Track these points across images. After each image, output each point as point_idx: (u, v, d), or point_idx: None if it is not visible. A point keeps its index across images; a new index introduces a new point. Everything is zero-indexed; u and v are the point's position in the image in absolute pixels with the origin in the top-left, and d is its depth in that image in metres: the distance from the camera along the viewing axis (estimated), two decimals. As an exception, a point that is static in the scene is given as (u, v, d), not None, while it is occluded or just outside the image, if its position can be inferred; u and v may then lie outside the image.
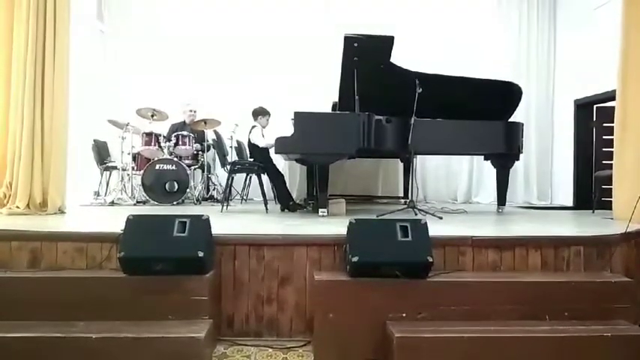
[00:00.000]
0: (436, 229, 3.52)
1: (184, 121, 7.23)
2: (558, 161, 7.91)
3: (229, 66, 7.68)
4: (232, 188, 6.27)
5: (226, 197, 5.83)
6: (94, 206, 6.13)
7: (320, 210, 5.00)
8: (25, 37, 4.60)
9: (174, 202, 6.31)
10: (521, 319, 3.00)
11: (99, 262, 3.27)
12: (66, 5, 4.82)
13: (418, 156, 6.39)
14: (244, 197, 7.10)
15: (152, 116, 6.65)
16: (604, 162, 6.69)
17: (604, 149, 6.83)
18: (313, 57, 7.60)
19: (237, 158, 6.73)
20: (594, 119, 7.24)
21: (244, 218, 5.01)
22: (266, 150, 5.72)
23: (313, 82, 7.53)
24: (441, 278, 3.13)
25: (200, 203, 6.68)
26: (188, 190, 6.46)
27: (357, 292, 3.01)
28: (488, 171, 7.03)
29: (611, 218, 4.81)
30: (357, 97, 5.17)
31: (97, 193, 6.76)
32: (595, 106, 7.18)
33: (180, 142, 6.67)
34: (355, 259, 2.97)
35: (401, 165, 7.50)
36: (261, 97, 6.68)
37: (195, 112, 7.22)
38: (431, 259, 3.01)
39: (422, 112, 4.97)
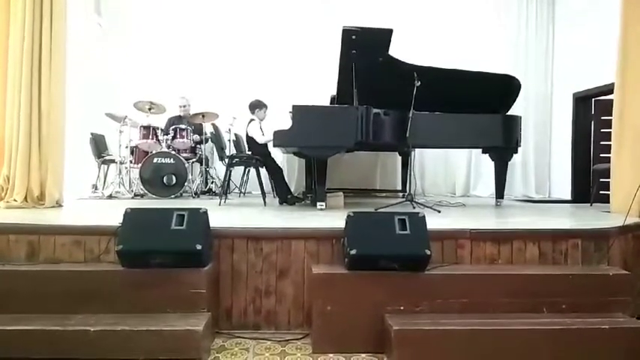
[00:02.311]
0: (434, 222, 3.52)
1: (181, 114, 7.20)
2: (556, 154, 7.91)
3: (227, 59, 7.67)
4: (230, 181, 6.27)
5: (224, 190, 5.83)
6: (92, 199, 6.12)
7: (318, 203, 5.01)
8: (21, 30, 4.57)
9: (173, 196, 6.29)
10: (519, 312, 3.01)
11: (97, 255, 3.27)
12: (63, -2, 4.80)
13: (416, 149, 6.38)
14: (242, 190, 7.09)
15: (150, 109, 6.62)
16: (602, 155, 6.69)
17: (602, 142, 6.83)
18: (312, 50, 7.58)
19: (235, 151, 6.73)
20: (592, 112, 7.23)
21: (242, 211, 5.00)
22: (264, 143, 5.71)
23: (312, 75, 7.51)
24: (439, 271, 3.14)
25: (198, 196, 6.67)
26: (186, 183, 6.44)
27: (355, 285, 3.02)
28: (486, 164, 7.03)
29: (609, 211, 4.82)
30: (355, 90, 5.16)
31: (95, 187, 6.75)
32: (593, 100, 7.17)
33: (178, 136, 6.65)
34: (353, 252, 2.97)
35: (399, 158, 7.49)
36: (259, 90, 6.67)
37: (187, 106, 7.15)
38: (429, 252, 3.02)
39: (420, 105, 4.96)
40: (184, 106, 7.14)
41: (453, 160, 8.02)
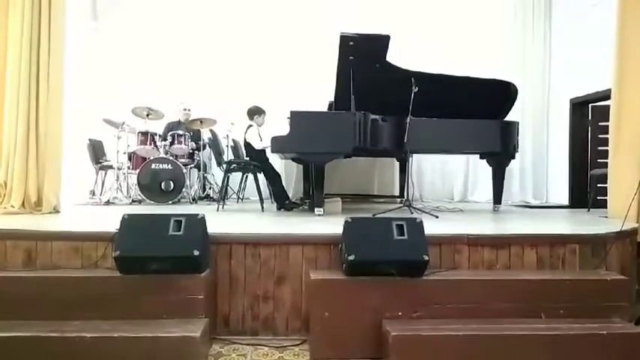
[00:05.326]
0: (432, 227, 3.52)
1: (180, 120, 7.21)
2: (554, 160, 7.93)
3: (225, 65, 7.69)
4: (228, 187, 6.27)
5: (222, 196, 5.83)
6: (90, 205, 6.11)
7: (316, 209, 5.00)
8: (19, 36, 4.57)
9: (170, 202, 6.29)
10: (517, 317, 3.00)
11: (94, 262, 3.26)
12: (61, 4, 4.80)
13: (414, 155, 6.39)
14: (240, 196, 7.09)
15: (148, 115, 6.64)
16: (599, 160, 6.71)
17: (599, 148, 6.85)
18: (309, 55, 7.60)
19: (233, 157, 6.73)
20: (590, 118, 7.25)
21: (240, 217, 5.00)
22: (262, 149, 5.72)
23: (309, 81, 7.52)
24: (436, 277, 3.13)
25: (196, 202, 6.67)
26: (184, 189, 6.45)
27: (353, 290, 3.01)
28: (484, 170, 7.03)
29: (607, 216, 4.82)
30: (352, 96, 5.17)
31: (93, 193, 6.75)
32: (590, 105, 7.20)
33: (176, 141, 6.65)
34: (351, 257, 2.96)
35: (397, 164, 7.51)
36: (257, 95, 6.68)
37: (189, 110, 7.21)
38: (427, 258, 3.01)
39: (418, 111, 4.97)
40: (187, 110, 7.16)
41: (450, 166, 8.04)
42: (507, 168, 5.96)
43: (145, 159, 6.51)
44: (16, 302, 2.91)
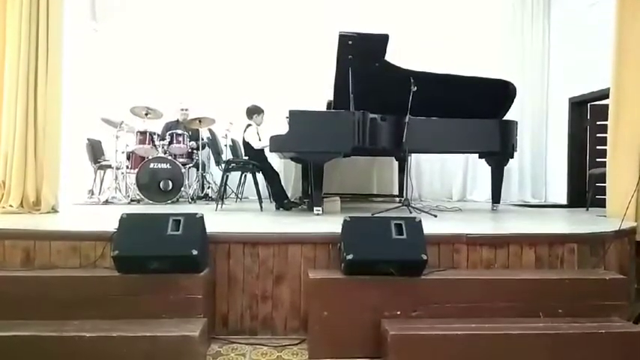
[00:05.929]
0: (431, 226, 3.52)
1: (178, 120, 7.21)
2: (552, 159, 7.94)
3: (224, 64, 7.69)
4: (227, 186, 6.26)
5: (221, 195, 5.82)
6: (88, 205, 6.10)
7: (315, 208, 5.00)
8: (18, 35, 4.56)
9: (169, 201, 6.28)
10: (515, 317, 3.01)
11: (92, 261, 3.26)
12: (59, 4, 4.79)
13: (413, 154, 6.39)
14: (239, 195, 7.08)
15: (146, 114, 6.63)
16: (598, 160, 6.72)
17: (598, 147, 6.86)
18: (308, 54, 7.60)
19: (231, 156, 6.73)
20: (588, 117, 7.26)
21: (239, 216, 4.99)
22: (261, 148, 5.72)
23: (308, 80, 7.52)
24: (435, 276, 3.13)
25: (195, 202, 6.66)
26: (183, 188, 6.44)
27: (352, 290, 3.01)
28: (482, 169, 7.04)
29: (605, 216, 4.83)
30: (351, 95, 5.17)
31: (91, 192, 6.73)
32: (589, 105, 7.20)
33: (174, 141, 6.65)
34: (350, 257, 2.96)
35: (396, 163, 7.51)
36: (256, 95, 6.67)
37: (187, 110, 7.20)
38: (425, 257, 3.01)
39: (416, 110, 4.97)
40: (184, 110, 7.16)
41: (449, 165, 8.04)
42: (506, 167, 5.96)
43: (143, 158, 6.50)
44: (14, 302, 2.90)
